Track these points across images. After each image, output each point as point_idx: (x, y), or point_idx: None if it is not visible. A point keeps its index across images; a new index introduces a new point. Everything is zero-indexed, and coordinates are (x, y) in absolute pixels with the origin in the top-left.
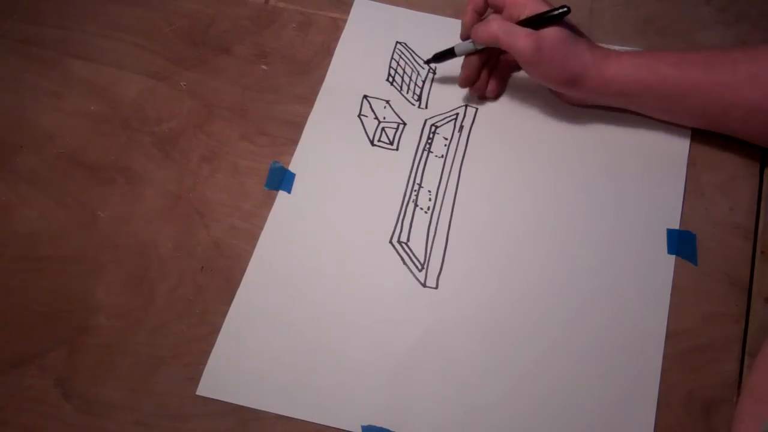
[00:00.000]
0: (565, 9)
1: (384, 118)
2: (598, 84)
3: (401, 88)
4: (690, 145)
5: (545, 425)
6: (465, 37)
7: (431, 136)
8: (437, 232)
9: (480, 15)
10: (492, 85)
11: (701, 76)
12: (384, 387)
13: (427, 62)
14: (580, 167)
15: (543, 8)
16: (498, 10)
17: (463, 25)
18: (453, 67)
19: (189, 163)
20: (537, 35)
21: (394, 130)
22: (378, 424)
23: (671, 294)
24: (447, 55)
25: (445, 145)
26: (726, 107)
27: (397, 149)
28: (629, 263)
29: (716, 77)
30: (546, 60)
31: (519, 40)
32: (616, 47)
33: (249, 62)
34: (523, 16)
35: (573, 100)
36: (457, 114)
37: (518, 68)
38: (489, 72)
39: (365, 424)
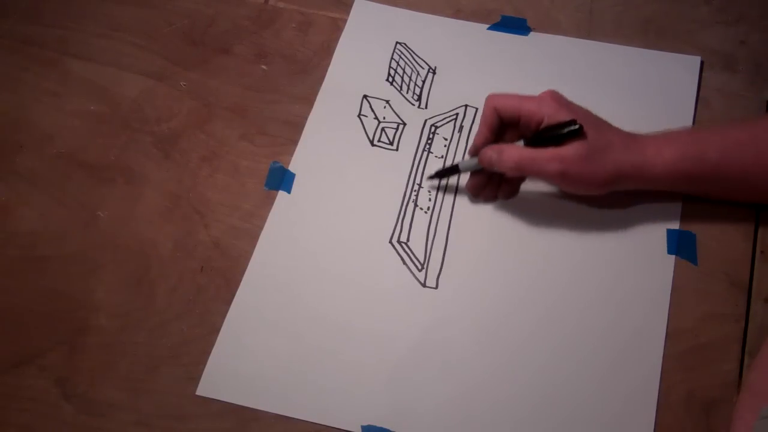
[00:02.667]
0: (576, 127)
1: (384, 118)
2: (641, 182)
3: (401, 88)
4: None
5: (545, 425)
6: (474, 154)
7: (431, 136)
8: (437, 232)
9: (495, 135)
10: (504, 191)
11: (754, 158)
12: (384, 387)
13: (430, 178)
14: None
15: (561, 118)
16: (513, 124)
17: (474, 144)
18: (453, 67)
19: (189, 163)
20: (560, 157)
21: (394, 130)
22: (378, 424)
23: (671, 294)
24: (451, 171)
25: (445, 146)
26: None
27: (397, 149)
28: (629, 263)
29: (767, 160)
30: (576, 178)
31: (544, 168)
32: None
33: (249, 62)
34: (540, 129)
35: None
36: (457, 114)
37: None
38: (498, 181)
39: (365, 424)
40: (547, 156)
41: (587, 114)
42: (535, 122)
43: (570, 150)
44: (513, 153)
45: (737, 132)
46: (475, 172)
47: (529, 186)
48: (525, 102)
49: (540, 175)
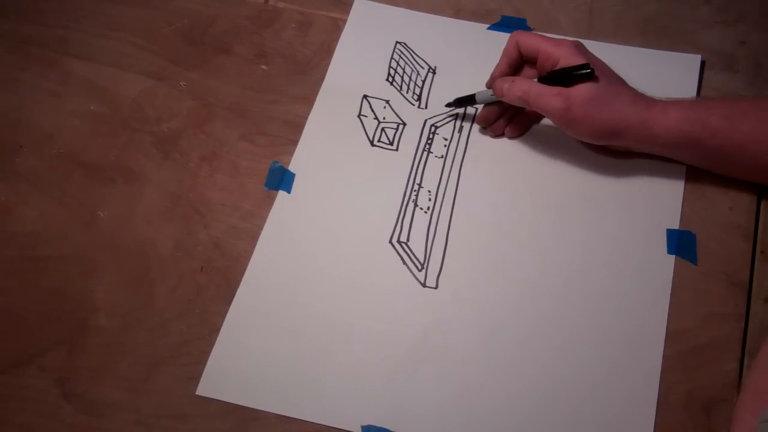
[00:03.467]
0: (588, 71)
1: (384, 118)
2: (642, 137)
3: (401, 88)
4: None
5: (545, 425)
6: (490, 85)
7: (431, 136)
8: (437, 232)
9: (513, 69)
10: (511, 129)
11: (754, 128)
12: (384, 387)
13: (448, 105)
14: (580, 167)
15: (576, 62)
16: (532, 62)
17: (492, 75)
18: (453, 67)
19: (189, 163)
20: (566, 95)
21: (394, 130)
22: (378, 424)
23: (671, 294)
24: (468, 101)
25: (445, 146)
26: None
27: (396, 149)
28: (629, 263)
29: None
30: (579, 118)
31: (548, 102)
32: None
33: (249, 62)
34: (554, 69)
35: (609, 149)
36: (457, 114)
37: (542, 118)
38: (510, 116)
39: (365, 424)
40: (554, 92)
41: (602, 65)
42: (551, 62)
43: (577, 90)
44: (522, 84)
45: (744, 103)
46: (488, 105)
47: (528, 186)
48: (545, 42)
49: (544, 108)
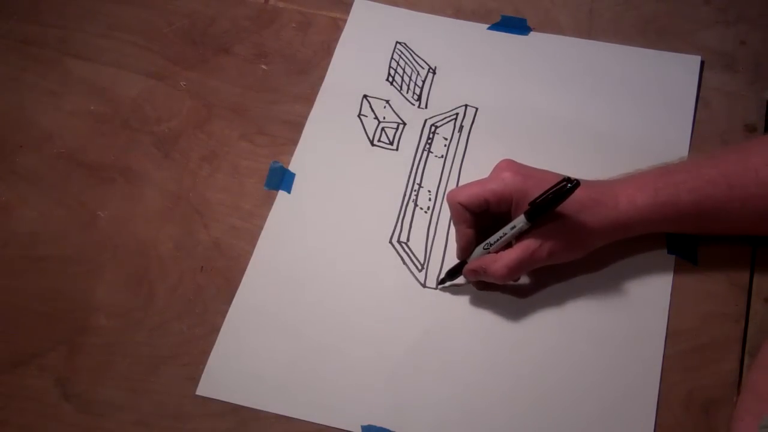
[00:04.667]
0: (573, 183)
1: (384, 118)
2: (617, 235)
3: (401, 88)
4: (689, 145)
5: (545, 425)
6: (460, 257)
7: (431, 136)
8: (437, 232)
9: (473, 227)
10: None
11: (726, 196)
12: (384, 387)
13: (440, 282)
14: (581, 166)
15: (528, 188)
16: (483, 211)
17: (458, 246)
18: (453, 67)
19: (189, 163)
20: (541, 246)
21: (394, 130)
22: (378, 424)
23: (671, 294)
24: (459, 270)
25: (445, 145)
26: (759, 216)
27: (396, 149)
28: (629, 263)
29: (743, 193)
30: (562, 256)
31: (536, 261)
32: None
33: (249, 62)
34: (521, 206)
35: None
36: (457, 114)
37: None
38: None
39: (365, 424)
40: (530, 251)
41: (550, 175)
42: (505, 203)
43: (548, 230)
44: (498, 268)
45: (707, 169)
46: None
47: None
48: (487, 186)
49: (533, 267)
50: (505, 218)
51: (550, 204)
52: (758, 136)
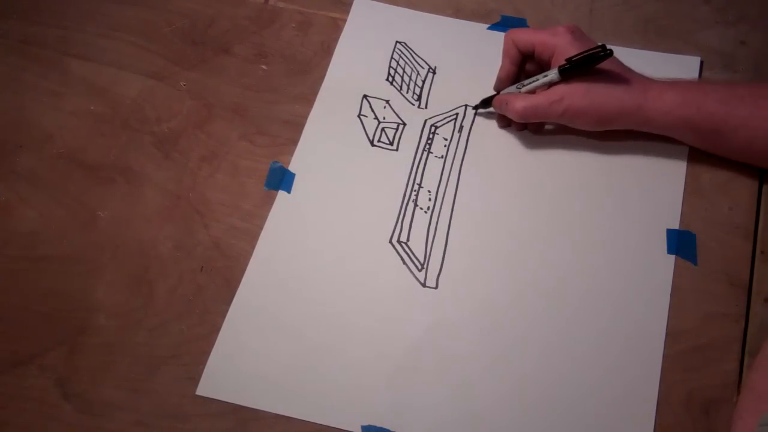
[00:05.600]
0: (608, 51)
1: (384, 118)
2: (638, 121)
3: (401, 88)
4: (689, 145)
5: (545, 425)
6: (497, 87)
7: (431, 136)
8: (437, 232)
9: (517, 66)
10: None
11: (750, 112)
12: (384, 387)
13: (475, 107)
14: (580, 167)
15: (571, 47)
16: (530, 55)
17: (498, 77)
18: (453, 67)
19: (189, 163)
20: (560, 98)
21: (394, 130)
22: (378, 424)
23: (671, 294)
24: (491, 100)
25: (445, 146)
26: None
27: (396, 149)
28: (629, 263)
29: (765, 114)
30: (577, 116)
31: (549, 113)
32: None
33: (249, 62)
34: (558, 60)
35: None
36: (457, 114)
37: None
38: None
39: (365, 424)
40: (549, 101)
41: (594, 44)
42: (548, 53)
43: (572, 89)
44: (517, 105)
45: (741, 88)
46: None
47: (528, 186)
48: (539, 34)
49: (546, 119)
50: (546, 69)
51: (580, 64)
52: None
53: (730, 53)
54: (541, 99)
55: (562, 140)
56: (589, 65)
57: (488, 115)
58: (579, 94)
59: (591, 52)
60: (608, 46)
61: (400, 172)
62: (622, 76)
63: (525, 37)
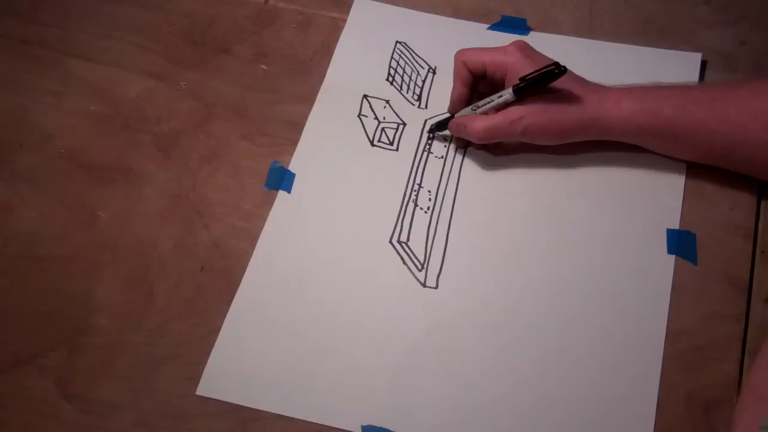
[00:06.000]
0: (562, 69)
1: (384, 118)
2: (596, 132)
3: (401, 88)
4: None
5: (545, 425)
6: (452, 110)
7: (431, 136)
8: (437, 232)
9: (470, 88)
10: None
11: (706, 115)
12: (384, 387)
13: (429, 131)
14: (580, 167)
15: (523, 66)
16: (482, 76)
17: (451, 100)
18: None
19: (189, 163)
20: (520, 118)
21: (394, 131)
22: (378, 424)
23: (671, 294)
24: (445, 124)
25: (445, 146)
26: (732, 145)
27: (397, 149)
28: (629, 263)
29: (721, 116)
30: (536, 133)
31: (509, 132)
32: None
33: (249, 62)
34: (511, 79)
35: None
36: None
37: None
38: None
39: (365, 424)
40: (508, 121)
41: (547, 60)
42: (500, 73)
43: (529, 107)
44: (476, 127)
45: (698, 91)
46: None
47: (529, 186)
48: (489, 53)
49: (505, 139)
50: (499, 89)
51: (535, 82)
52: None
53: (730, 53)
54: (499, 119)
55: None
56: (544, 83)
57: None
58: (537, 112)
59: (545, 70)
60: (561, 64)
61: (400, 172)
62: (577, 89)
63: (475, 57)
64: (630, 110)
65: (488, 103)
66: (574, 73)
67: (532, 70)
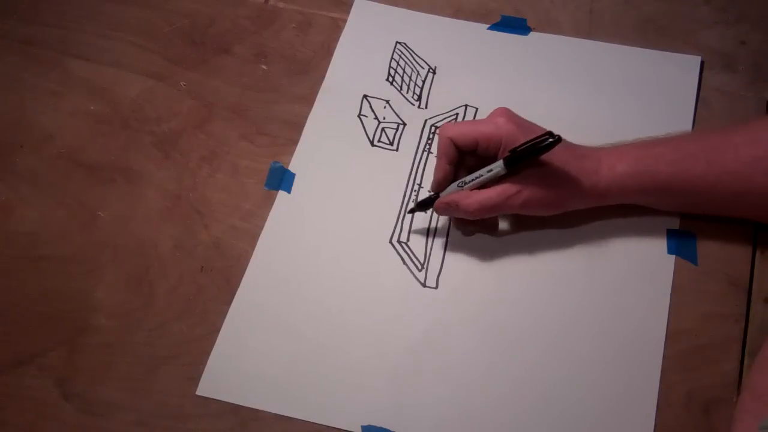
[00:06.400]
0: (555, 138)
1: (384, 118)
2: (593, 200)
3: (401, 88)
4: None
5: (545, 425)
6: (436, 189)
7: (431, 136)
8: (437, 232)
9: (454, 165)
10: (484, 224)
11: (704, 170)
12: (384, 387)
13: (410, 211)
14: None
15: (516, 135)
16: (471, 151)
17: (434, 179)
18: (453, 67)
19: (189, 163)
20: (517, 190)
21: (394, 131)
22: (378, 424)
23: (671, 294)
24: (429, 203)
25: None
26: (734, 196)
27: (396, 149)
28: (629, 263)
29: (719, 169)
30: (534, 206)
31: (508, 205)
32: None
33: (249, 62)
34: (515, 147)
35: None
36: (457, 114)
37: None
38: None
39: (365, 424)
40: (505, 195)
41: (538, 128)
42: (494, 145)
43: (526, 179)
44: (470, 203)
45: (688, 144)
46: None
47: None
48: (479, 127)
49: (504, 211)
50: (489, 163)
51: (528, 154)
52: (742, 119)
53: (730, 53)
54: (494, 194)
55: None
56: (538, 155)
57: None
58: (534, 184)
59: (538, 140)
60: (555, 133)
61: (400, 172)
62: (571, 158)
63: (466, 134)
64: (625, 174)
65: (477, 178)
66: (565, 139)
67: (525, 139)
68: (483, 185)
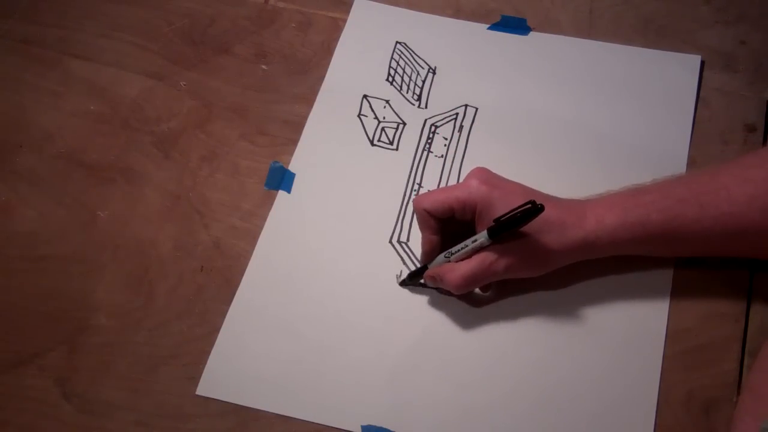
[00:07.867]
0: (538, 207)
1: (384, 117)
2: (582, 254)
3: (401, 87)
4: (689, 145)
5: (545, 425)
6: (425, 260)
7: (431, 136)
8: None
9: (438, 233)
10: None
11: (697, 214)
12: (384, 387)
13: (402, 284)
14: (581, 166)
15: (493, 199)
16: (449, 218)
17: (422, 251)
18: (453, 67)
19: (189, 163)
20: (502, 258)
21: (394, 130)
22: (378, 424)
23: (671, 294)
24: (421, 272)
25: (445, 145)
26: (731, 236)
27: (396, 149)
28: (629, 263)
29: (713, 212)
30: (524, 269)
31: (494, 274)
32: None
33: (249, 62)
34: (484, 215)
35: None
36: (457, 114)
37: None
38: None
39: (365, 424)
40: (487, 263)
41: (519, 187)
42: (470, 210)
43: (508, 246)
44: (453, 277)
45: (677, 189)
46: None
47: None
48: (453, 192)
49: (491, 279)
50: (470, 225)
51: (512, 225)
52: (727, 160)
53: (730, 53)
54: (475, 265)
55: (563, 138)
56: (521, 224)
57: (494, 114)
58: (517, 249)
59: (522, 210)
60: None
61: (400, 172)
62: (554, 215)
63: (438, 203)
64: (615, 226)
65: (463, 248)
66: (544, 195)
67: (503, 203)
68: (470, 255)
